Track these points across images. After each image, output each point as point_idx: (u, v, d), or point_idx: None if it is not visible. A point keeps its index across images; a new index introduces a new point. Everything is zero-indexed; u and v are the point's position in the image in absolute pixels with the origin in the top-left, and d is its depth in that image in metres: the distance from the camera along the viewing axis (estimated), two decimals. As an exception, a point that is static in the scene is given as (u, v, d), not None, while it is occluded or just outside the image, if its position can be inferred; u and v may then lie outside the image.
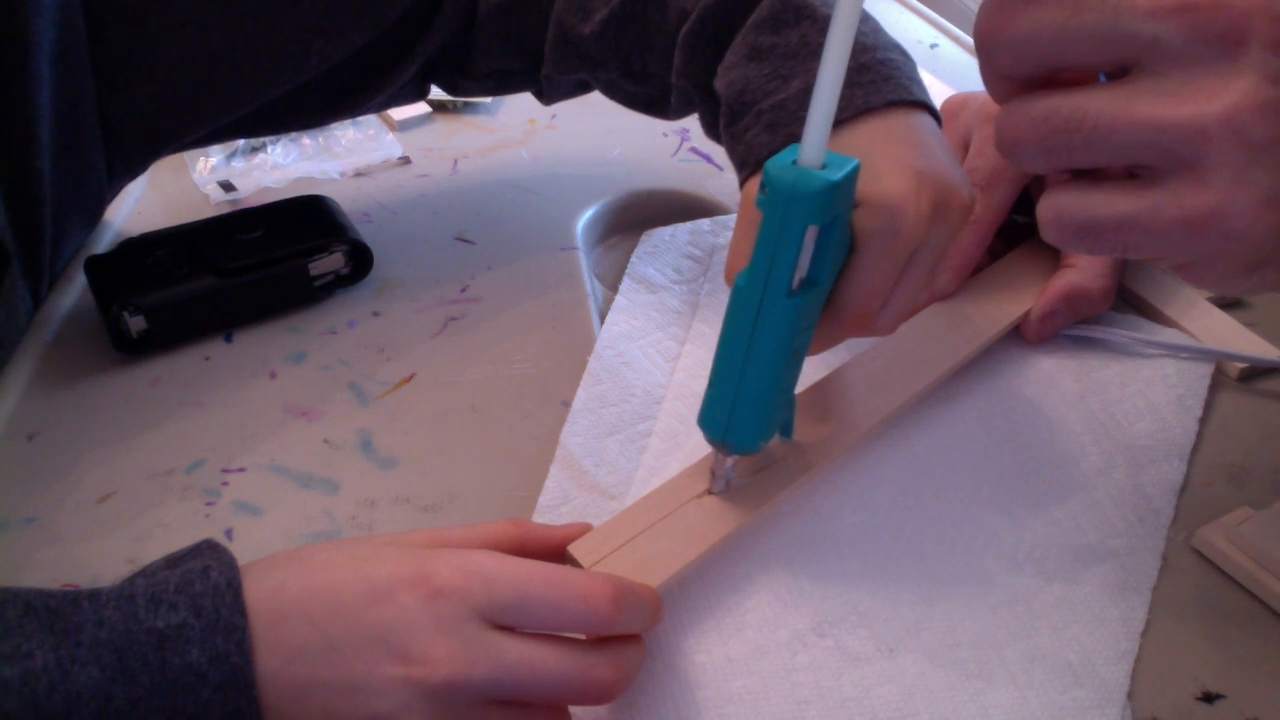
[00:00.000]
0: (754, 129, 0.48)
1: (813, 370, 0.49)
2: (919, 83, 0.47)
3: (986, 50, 0.33)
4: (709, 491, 0.44)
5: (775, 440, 0.45)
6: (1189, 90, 0.30)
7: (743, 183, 0.49)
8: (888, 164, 0.41)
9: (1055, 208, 0.34)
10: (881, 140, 0.44)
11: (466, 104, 0.81)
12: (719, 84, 0.50)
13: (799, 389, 0.50)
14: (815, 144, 0.35)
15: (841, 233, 0.39)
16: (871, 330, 0.44)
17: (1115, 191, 0.33)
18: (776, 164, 0.36)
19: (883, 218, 0.40)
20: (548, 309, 0.61)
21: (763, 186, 0.36)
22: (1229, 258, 0.32)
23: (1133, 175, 0.33)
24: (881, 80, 0.45)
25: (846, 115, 0.44)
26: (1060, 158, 0.33)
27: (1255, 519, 0.47)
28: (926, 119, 0.46)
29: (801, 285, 0.38)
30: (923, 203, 0.40)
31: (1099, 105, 0.31)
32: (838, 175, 0.35)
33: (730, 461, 0.43)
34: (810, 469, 0.46)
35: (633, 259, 0.64)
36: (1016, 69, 0.33)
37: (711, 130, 0.55)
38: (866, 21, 0.49)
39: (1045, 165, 0.34)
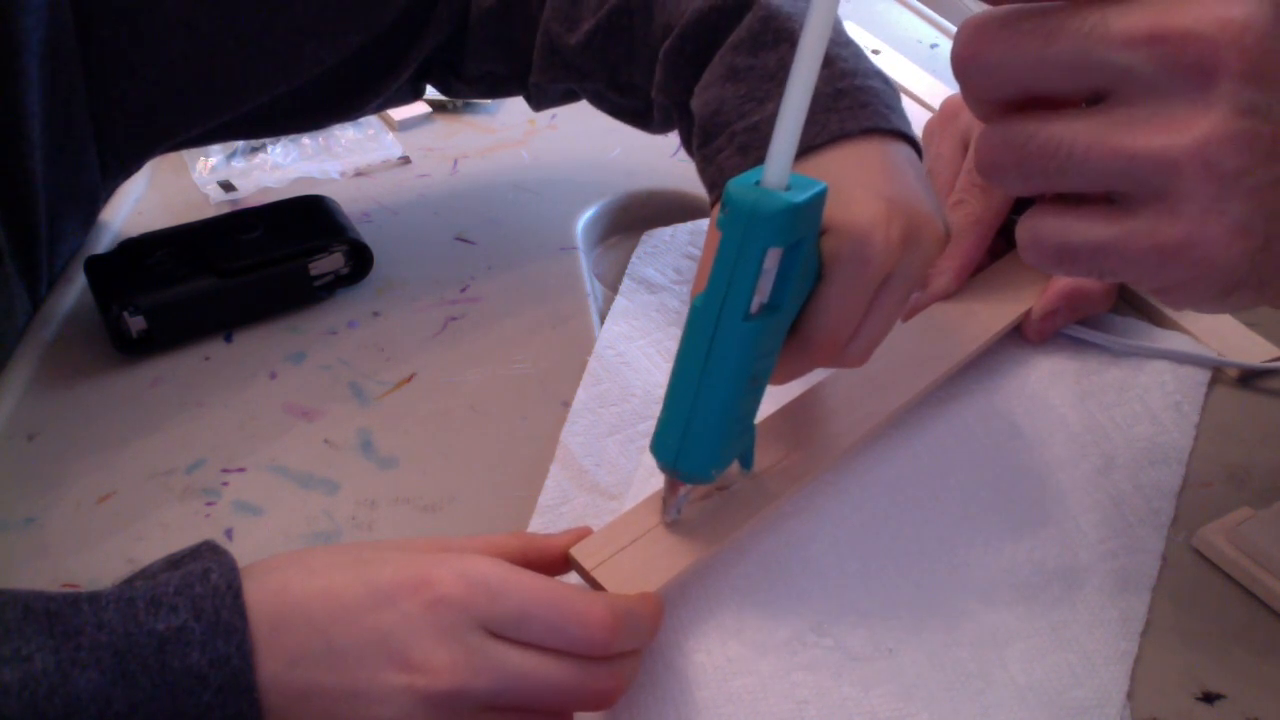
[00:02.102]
0: (726, 150, 0.47)
1: (811, 376, 0.49)
2: (899, 112, 0.47)
3: (963, 75, 0.33)
4: (661, 521, 0.43)
5: (736, 470, 0.44)
6: (1160, 121, 0.30)
7: (713, 204, 0.49)
8: (858, 191, 0.41)
9: (1032, 231, 0.34)
10: (854, 167, 0.43)
11: (466, 104, 0.81)
12: (695, 103, 0.50)
13: (794, 392, 0.50)
14: (779, 165, 0.34)
15: (807, 258, 0.38)
16: (840, 360, 0.43)
17: (1091, 217, 0.33)
18: (739, 184, 0.35)
19: (850, 245, 0.39)
20: (548, 309, 0.61)
21: (723, 206, 0.35)
22: (1203, 284, 0.32)
23: (1110, 199, 0.33)
24: (859, 107, 0.45)
25: (821, 141, 0.44)
26: (1037, 182, 0.33)
27: (1255, 519, 0.47)
28: (903, 148, 0.45)
29: (762, 310, 0.37)
30: (893, 231, 0.40)
31: (1073, 133, 0.31)
32: (801, 197, 0.35)
33: (683, 490, 0.41)
34: (809, 469, 0.46)
35: (633, 259, 0.64)
36: (994, 94, 0.33)
37: (690, 148, 0.54)
38: (848, 47, 0.48)
39: (1023, 189, 0.34)
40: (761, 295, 0.37)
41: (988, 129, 0.34)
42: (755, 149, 0.46)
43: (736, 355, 0.37)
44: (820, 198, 0.36)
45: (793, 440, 0.47)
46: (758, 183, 0.35)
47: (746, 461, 0.43)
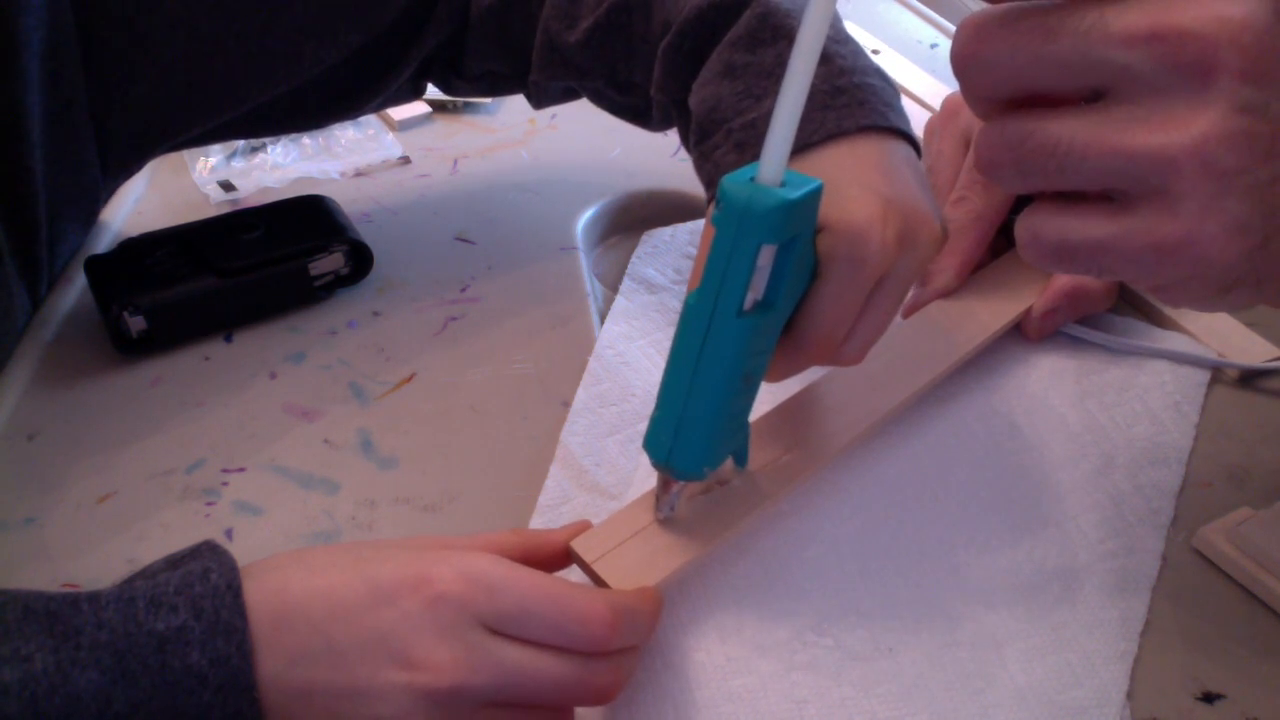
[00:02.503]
0: (723, 148, 0.47)
1: (809, 373, 0.49)
2: (898, 110, 0.46)
3: (963, 73, 0.33)
4: (655, 518, 0.42)
5: (730, 468, 0.44)
6: (1158, 119, 0.30)
7: (709, 201, 0.49)
8: (854, 189, 0.41)
9: (1031, 229, 0.34)
10: (850, 165, 0.43)
11: (466, 104, 0.81)
12: (692, 100, 0.50)
13: (794, 389, 0.50)
14: (774, 161, 0.34)
15: (802, 256, 0.38)
16: (835, 360, 0.43)
17: (1090, 215, 0.33)
18: (733, 180, 0.35)
19: (846, 243, 0.39)
20: (548, 309, 0.61)
21: (717, 202, 0.35)
22: (1201, 282, 0.32)
23: (1109, 197, 0.33)
24: (856, 104, 0.45)
25: (817, 138, 0.44)
26: (1035, 181, 0.33)
27: (1255, 519, 0.47)
28: (902, 146, 0.45)
29: (756, 307, 0.37)
30: (889, 230, 0.40)
31: (1071, 131, 0.31)
32: (795, 194, 0.35)
33: (676, 487, 0.41)
34: (810, 465, 0.46)
35: (633, 259, 0.64)
36: (993, 92, 0.33)
37: (689, 146, 0.54)
38: (846, 44, 0.48)
39: (1022, 187, 0.34)
40: (755, 292, 0.37)
41: (986, 127, 0.34)
42: (752, 146, 0.46)
43: (730, 352, 0.37)
44: (815, 195, 0.36)
45: (793, 436, 0.47)
46: (752, 179, 0.35)
47: (741, 459, 0.43)
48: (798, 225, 0.36)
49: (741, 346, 0.37)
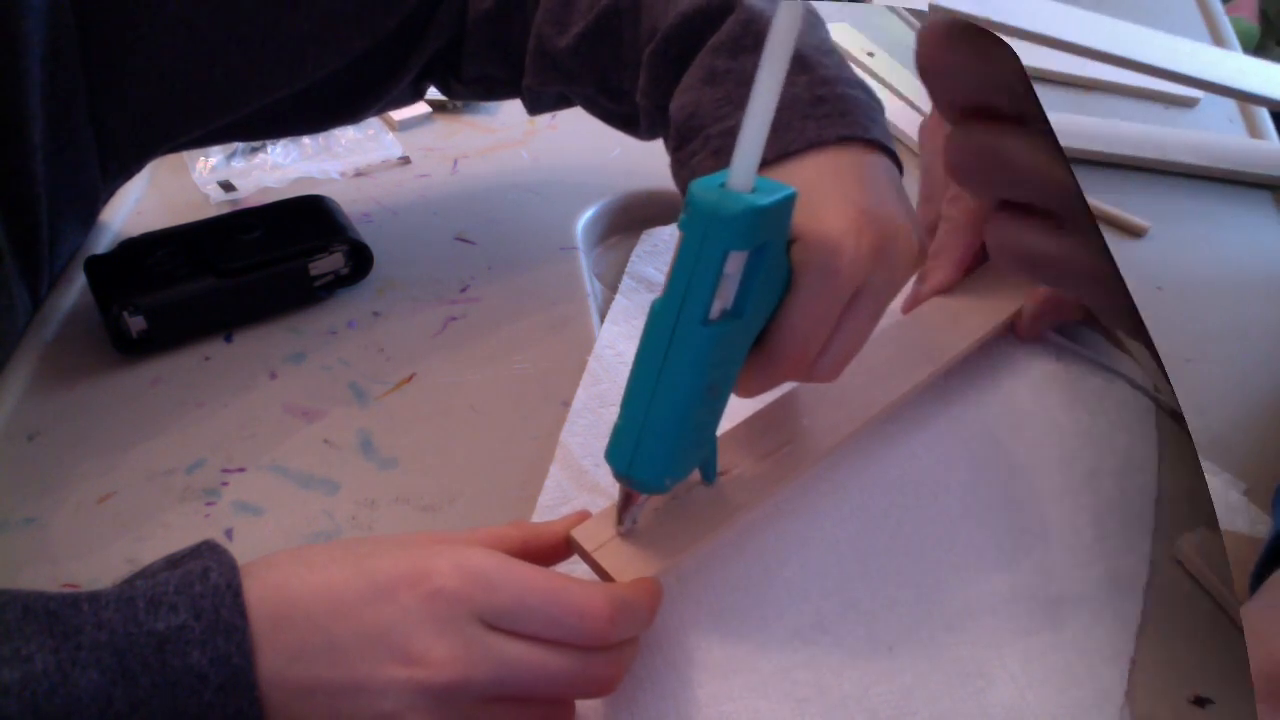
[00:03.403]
0: (700, 154, 0.47)
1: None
2: (880, 124, 0.46)
3: (925, 80, 0.33)
4: (617, 532, 0.41)
5: (697, 481, 0.43)
6: None
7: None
8: (830, 200, 0.40)
9: (997, 235, 0.34)
10: (827, 176, 0.42)
11: (467, 104, 0.81)
12: (673, 106, 0.49)
13: (791, 385, 0.49)
14: (744, 167, 0.34)
15: (774, 266, 0.37)
16: (809, 375, 0.42)
17: (1041, 230, 0.32)
18: (702, 185, 0.34)
19: (819, 254, 0.38)
20: (548, 309, 0.61)
21: (685, 206, 0.35)
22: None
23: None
24: (837, 115, 0.44)
25: (796, 147, 0.43)
26: (997, 190, 0.33)
27: (1216, 533, 0.46)
28: (881, 159, 0.44)
29: (723, 315, 0.36)
30: (863, 242, 0.39)
31: (1020, 149, 0.31)
32: (764, 200, 0.34)
33: (639, 500, 0.40)
34: (812, 455, 0.46)
35: (633, 258, 0.64)
36: (957, 100, 0.33)
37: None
38: (831, 55, 0.47)
39: (986, 194, 0.33)
40: (724, 301, 0.36)
41: (953, 132, 0.33)
42: (729, 153, 0.46)
43: (694, 361, 0.36)
44: (787, 203, 0.36)
45: (792, 429, 0.47)
46: (722, 185, 0.34)
47: (709, 474, 0.43)
48: (768, 232, 0.35)
49: (706, 356, 0.36)
